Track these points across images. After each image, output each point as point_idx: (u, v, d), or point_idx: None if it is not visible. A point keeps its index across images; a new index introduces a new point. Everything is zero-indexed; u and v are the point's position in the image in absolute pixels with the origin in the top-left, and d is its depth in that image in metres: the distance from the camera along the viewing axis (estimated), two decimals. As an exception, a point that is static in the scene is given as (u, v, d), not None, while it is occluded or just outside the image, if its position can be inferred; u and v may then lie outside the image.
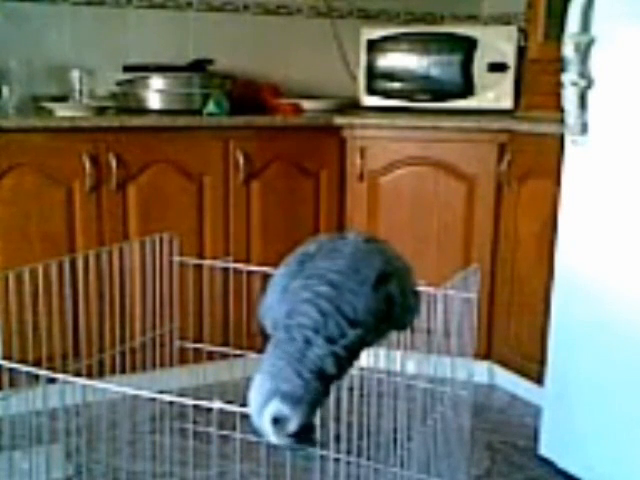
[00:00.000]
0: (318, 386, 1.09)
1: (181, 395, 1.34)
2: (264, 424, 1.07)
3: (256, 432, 1.10)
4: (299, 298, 1.12)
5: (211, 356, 2.12)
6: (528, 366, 2.57)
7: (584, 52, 1.94)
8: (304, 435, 1.08)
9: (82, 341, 1.94)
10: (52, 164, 2.37)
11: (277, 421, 1.07)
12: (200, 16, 3.07)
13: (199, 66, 2.86)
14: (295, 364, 1.07)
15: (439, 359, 1.55)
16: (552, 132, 2.32)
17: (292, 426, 1.07)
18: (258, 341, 2.35)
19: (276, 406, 1.06)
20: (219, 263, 2.05)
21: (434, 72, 2.98)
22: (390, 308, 1.16)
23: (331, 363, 1.10)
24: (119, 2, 2.92)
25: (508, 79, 2.88)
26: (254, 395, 1.08)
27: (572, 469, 2.12)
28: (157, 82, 2.72)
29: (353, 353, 1.13)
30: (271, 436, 1.08)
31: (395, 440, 1.55)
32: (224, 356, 2.16)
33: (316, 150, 2.77)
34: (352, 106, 3.10)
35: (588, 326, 2.04)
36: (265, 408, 1.06)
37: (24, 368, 1.35)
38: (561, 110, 2.03)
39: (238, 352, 2.03)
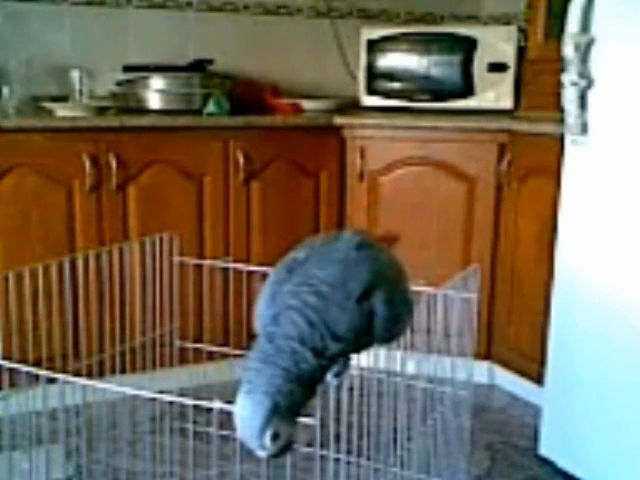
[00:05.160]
0: (309, 396, 1.09)
1: (181, 395, 1.34)
2: (265, 442, 1.05)
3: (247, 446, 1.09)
4: (286, 304, 1.11)
5: (211, 356, 2.11)
6: (528, 366, 2.57)
7: (584, 52, 1.94)
8: (289, 442, 1.08)
9: (82, 341, 1.94)
10: (52, 164, 2.37)
11: (275, 437, 1.06)
12: (200, 16, 3.07)
13: (199, 66, 2.86)
14: (294, 380, 1.06)
15: (439, 359, 1.55)
16: (552, 132, 2.32)
17: (284, 438, 1.06)
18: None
19: (277, 423, 1.05)
20: (219, 263, 2.05)
21: (434, 72, 2.98)
22: (371, 324, 1.13)
23: (319, 375, 1.10)
24: (119, 2, 2.92)
25: (508, 79, 2.88)
26: (251, 416, 1.05)
27: (572, 469, 2.12)
28: (157, 82, 2.72)
29: (333, 363, 1.13)
30: (269, 451, 1.06)
31: (395, 440, 1.55)
32: (224, 356, 2.16)
33: (316, 150, 2.77)
34: (352, 106, 3.10)
35: (588, 326, 2.04)
36: (268, 427, 1.05)
37: (24, 368, 1.35)
38: (561, 110, 2.03)
39: (238, 352, 2.02)
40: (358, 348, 1.17)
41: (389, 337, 1.20)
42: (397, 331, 1.21)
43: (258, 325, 1.16)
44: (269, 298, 1.15)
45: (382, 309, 1.14)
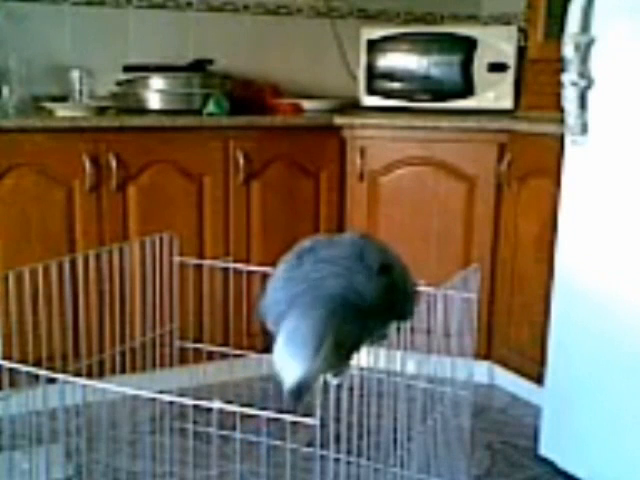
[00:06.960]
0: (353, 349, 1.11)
1: (181, 395, 1.34)
2: (321, 351, 1.02)
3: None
4: (313, 277, 1.11)
5: (211, 356, 2.12)
6: (528, 366, 2.57)
7: (584, 52, 1.94)
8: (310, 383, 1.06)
9: (82, 341, 1.94)
10: (52, 164, 2.37)
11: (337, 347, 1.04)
12: (200, 16, 3.07)
13: (199, 66, 2.86)
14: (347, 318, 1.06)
15: (439, 359, 1.55)
16: (552, 132, 2.32)
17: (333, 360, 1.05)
18: (258, 341, 2.36)
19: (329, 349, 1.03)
20: (219, 263, 2.05)
21: (434, 72, 2.98)
22: (393, 296, 1.16)
23: (358, 342, 1.11)
24: (119, 2, 2.92)
25: (508, 79, 2.88)
26: (312, 323, 1.03)
27: (572, 469, 2.12)
28: (157, 82, 2.72)
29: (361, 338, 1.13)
30: (316, 365, 1.03)
31: (395, 440, 1.55)
32: (224, 356, 2.17)
33: (316, 150, 2.77)
34: (352, 106, 3.10)
35: (588, 326, 2.04)
36: (328, 335, 1.03)
37: (24, 368, 1.35)
38: (561, 110, 2.03)
39: (238, 352, 2.03)
40: (382, 322, 1.18)
41: (406, 314, 1.24)
42: (411, 310, 1.24)
43: (270, 315, 1.16)
44: (284, 283, 1.15)
45: (401, 283, 1.18)
